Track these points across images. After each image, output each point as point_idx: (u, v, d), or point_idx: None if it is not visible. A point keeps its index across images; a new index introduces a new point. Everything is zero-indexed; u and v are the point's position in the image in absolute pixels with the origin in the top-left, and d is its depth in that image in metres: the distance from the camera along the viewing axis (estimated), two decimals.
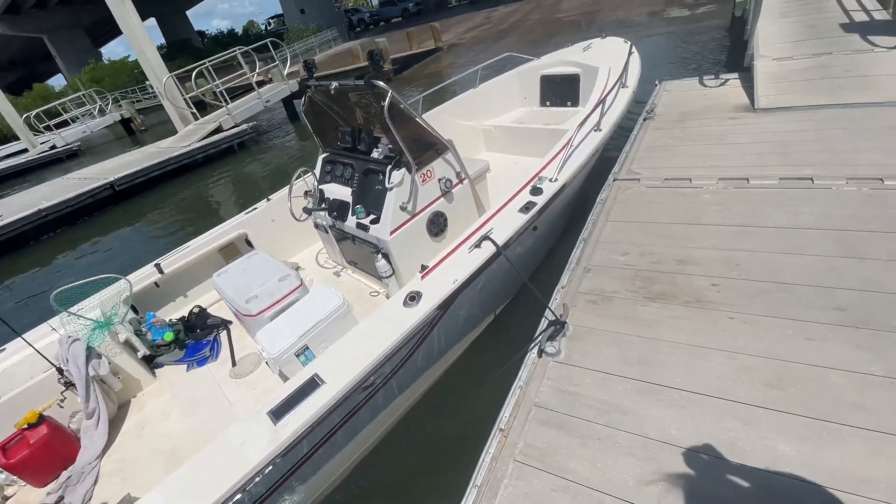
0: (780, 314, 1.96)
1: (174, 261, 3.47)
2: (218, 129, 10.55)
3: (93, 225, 8.34)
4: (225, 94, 11.37)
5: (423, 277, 2.37)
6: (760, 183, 2.86)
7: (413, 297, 2.23)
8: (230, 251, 3.83)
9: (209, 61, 11.22)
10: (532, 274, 3.41)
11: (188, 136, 10.52)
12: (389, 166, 2.80)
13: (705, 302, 2.12)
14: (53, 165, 16.67)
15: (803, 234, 2.36)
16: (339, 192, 3.26)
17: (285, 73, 12.07)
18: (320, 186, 3.44)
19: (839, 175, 2.73)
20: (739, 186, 2.89)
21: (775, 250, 2.31)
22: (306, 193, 3.48)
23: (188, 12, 48.49)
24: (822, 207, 2.51)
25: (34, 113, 17.72)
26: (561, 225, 3.68)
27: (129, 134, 19.35)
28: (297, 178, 3.42)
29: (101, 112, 18.88)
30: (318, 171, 3.52)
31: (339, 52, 21.12)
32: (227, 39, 39.98)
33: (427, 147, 2.92)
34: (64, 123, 18.86)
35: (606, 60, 4.41)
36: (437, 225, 3.01)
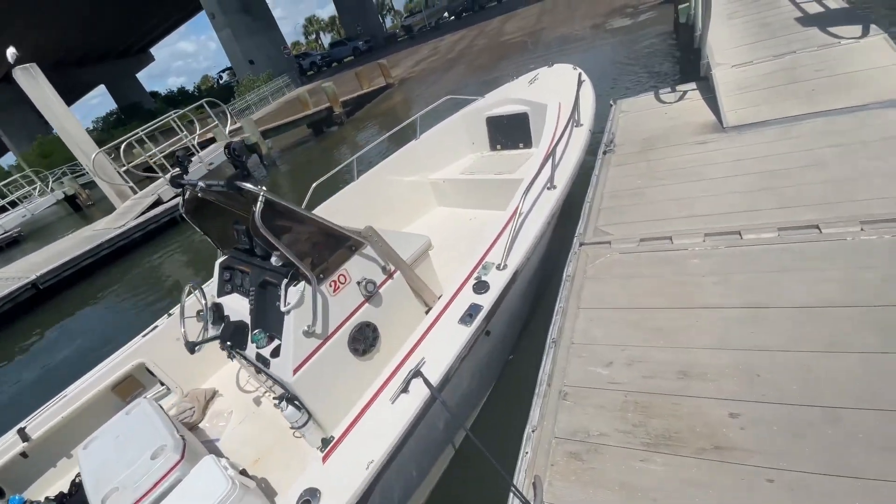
0: (837, 468, 1.35)
1: (49, 417, 2.72)
2: (157, 202, 9.78)
3: (14, 335, 7.40)
4: (165, 163, 10.69)
5: (323, 461, 1.68)
6: (757, 238, 2.30)
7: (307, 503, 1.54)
8: (129, 386, 3.08)
9: (142, 130, 10.57)
10: (490, 393, 2.74)
11: (124, 213, 9.72)
12: (285, 281, 2.15)
13: (727, 449, 1.50)
14: None
15: (830, 316, 1.78)
16: (241, 307, 2.58)
17: (227, 130, 11.46)
18: (219, 300, 2.76)
19: (850, 217, 2.19)
20: (732, 244, 2.32)
21: (802, 346, 1.72)
22: (199, 313, 2.79)
23: (139, 74, 47.88)
24: (843, 269, 1.95)
25: None
26: (523, 314, 2.99)
27: (76, 210, 18.34)
28: (188, 294, 2.74)
29: (43, 192, 17.87)
30: (215, 278, 2.84)
31: (288, 100, 20.68)
32: (178, 98, 39.36)
33: (334, 246, 2.28)
34: (4, 209, 17.77)
35: (555, 93, 3.91)
36: (365, 340, 2.35)
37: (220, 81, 46.83)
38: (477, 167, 4.40)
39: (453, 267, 2.48)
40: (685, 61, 7.04)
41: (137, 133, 10.89)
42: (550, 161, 2.83)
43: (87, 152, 10.19)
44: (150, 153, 10.50)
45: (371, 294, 2.35)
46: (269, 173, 12.43)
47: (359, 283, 2.32)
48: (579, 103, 3.47)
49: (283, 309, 2.10)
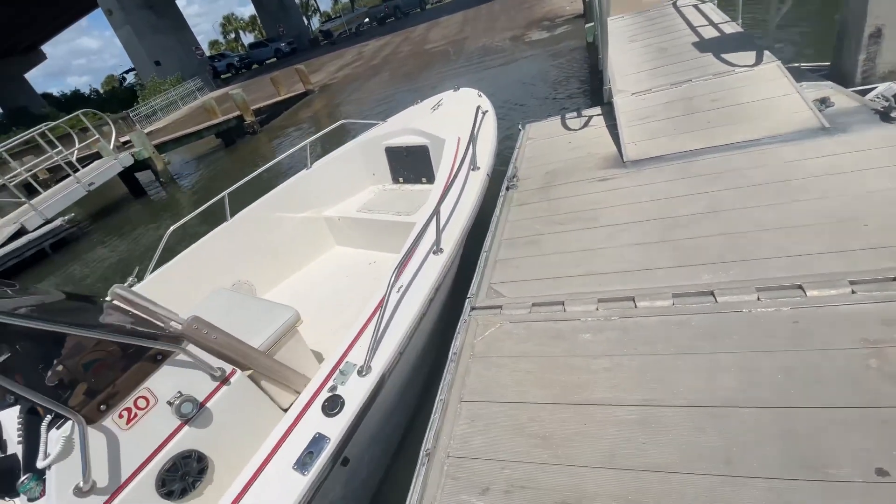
0: None
1: None
2: (21, 232, 8.29)
3: None
4: (33, 182, 9.16)
5: None
6: (651, 306, 2.03)
7: None
8: None
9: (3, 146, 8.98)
10: None
11: None
12: (45, 422, 1.54)
13: None
14: None
15: (729, 421, 1.51)
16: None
17: (111, 144, 10.07)
18: None
19: (745, 282, 1.98)
20: (626, 314, 2.04)
21: (697, 467, 1.42)
22: None
23: (31, 74, 42.32)
24: (741, 354, 1.70)
25: None
26: (400, 423, 2.48)
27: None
28: None
29: None
30: None
31: (201, 104, 18.95)
32: (71, 101, 35.06)
33: (127, 360, 1.70)
34: None
35: (456, 124, 3.54)
36: (185, 477, 1.78)
37: (124, 83, 42.51)
38: (377, 203, 3.92)
39: (347, 318, 1.98)
40: (595, 81, 7.06)
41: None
42: (435, 219, 2.41)
43: None
44: (12, 174, 8.94)
45: (190, 415, 1.79)
46: (169, 191, 11.13)
47: (170, 402, 1.76)
48: (477, 141, 3.12)
49: (39, 464, 1.49)
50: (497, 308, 2.35)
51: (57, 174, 11.24)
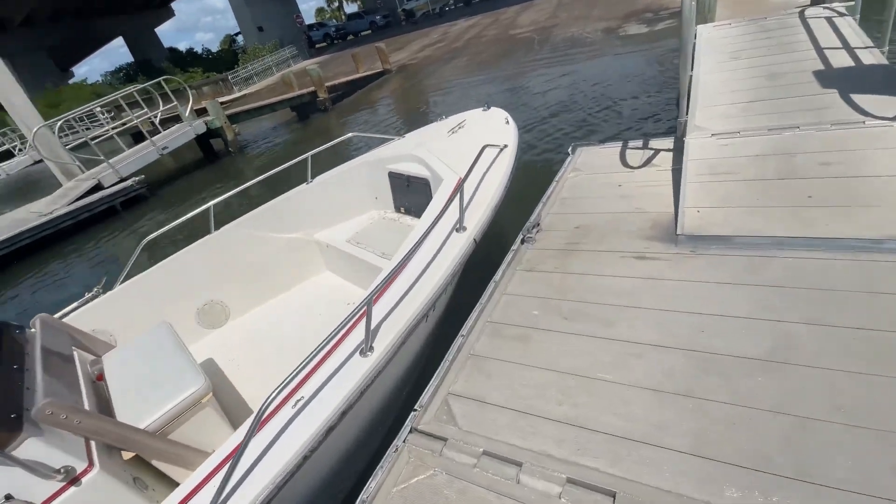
0: None
1: None
2: (97, 188, 8.97)
3: None
4: (118, 139, 9.86)
5: None
6: None
7: None
8: None
9: (96, 104, 9.72)
10: None
11: (61, 197, 8.93)
12: None
13: None
14: None
15: None
16: None
17: (187, 111, 10.52)
18: None
19: None
20: None
21: None
22: None
23: (165, 27, 46.90)
24: None
25: None
26: None
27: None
28: None
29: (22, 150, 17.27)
30: None
31: (294, 72, 19.54)
32: (187, 58, 38.30)
33: None
34: None
35: (466, 158, 2.90)
36: None
37: (234, 45, 45.59)
38: (371, 233, 3.43)
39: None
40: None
41: (89, 108, 10.06)
42: (365, 322, 1.86)
43: (30, 125, 9.36)
44: (96, 134, 9.69)
45: None
46: (236, 160, 11.54)
47: None
48: (478, 188, 2.49)
49: None
50: (440, 442, 1.76)
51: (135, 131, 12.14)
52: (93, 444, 1.79)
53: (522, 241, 2.92)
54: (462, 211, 2.32)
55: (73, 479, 1.62)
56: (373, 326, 1.89)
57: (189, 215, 3.22)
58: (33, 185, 16.34)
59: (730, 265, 2.19)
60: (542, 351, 2.06)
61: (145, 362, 2.25)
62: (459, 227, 2.34)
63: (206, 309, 3.23)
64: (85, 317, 2.86)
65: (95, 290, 2.99)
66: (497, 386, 1.95)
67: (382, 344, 1.87)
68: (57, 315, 2.81)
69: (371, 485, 1.68)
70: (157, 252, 3.12)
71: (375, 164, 3.56)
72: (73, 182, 9.45)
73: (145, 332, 2.56)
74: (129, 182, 9.16)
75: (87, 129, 14.28)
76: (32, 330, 2.23)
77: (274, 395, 1.59)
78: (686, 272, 2.23)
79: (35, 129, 9.08)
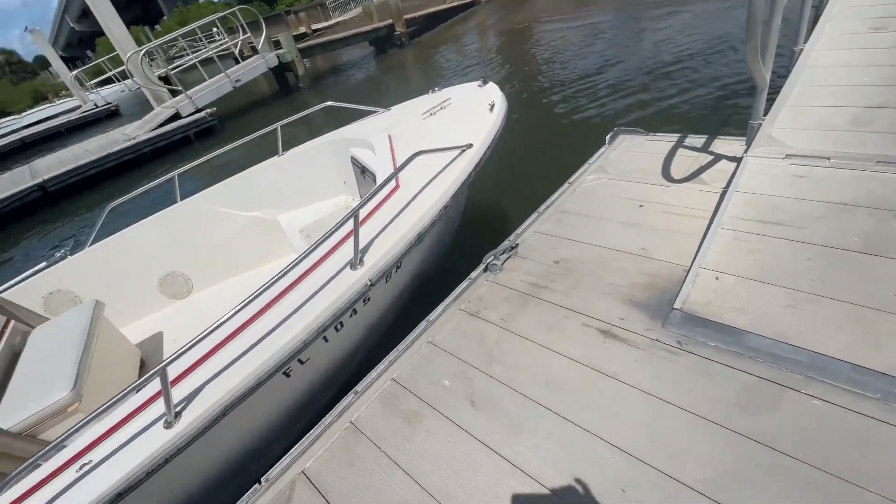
0: None
1: None
2: (175, 116, 9.51)
3: (23, 230, 7.90)
4: (200, 69, 10.25)
5: None
6: None
7: None
8: None
9: (178, 33, 10.09)
10: None
11: (146, 123, 9.64)
12: None
13: None
14: (93, 126, 17.13)
15: None
16: None
17: (260, 42, 10.53)
18: None
19: None
20: None
21: None
22: None
23: None
24: None
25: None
26: None
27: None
28: None
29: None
30: None
31: (378, 4, 18.73)
32: None
33: None
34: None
35: (427, 157, 2.30)
36: None
37: None
38: (327, 223, 3.04)
39: None
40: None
41: (174, 35, 10.46)
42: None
43: (126, 50, 10.02)
44: (176, 64, 10.10)
45: None
46: (305, 94, 11.50)
47: None
48: (410, 204, 1.95)
49: None
50: None
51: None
52: None
53: (485, 269, 2.34)
54: (357, 244, 1.82)
55: None
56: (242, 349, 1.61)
57: (153, 183, 3.08)
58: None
59: (723, 382, 1.47)
60: (422, 449, 1.60)
61: (46, 349, 2.22)
62: (356, 263, 1.85)
63: (169, 280, 3.17)
64: (50, 277, 2.92)
65: (63, 251, 3.02)
66: (352, 485, 1.55)
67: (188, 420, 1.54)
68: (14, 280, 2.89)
69: None
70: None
71: (341, 144, 3.08)
72: (159, 109, 10.14)
73: (73, 309, 2.52)
74: (202, 113, 9.58)
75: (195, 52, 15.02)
76: None
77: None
78: (653, 377, 1.56)
79: (129, 55, 9.71)
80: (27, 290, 2.82)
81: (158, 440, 1.46)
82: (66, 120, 17.20)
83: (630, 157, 2.91)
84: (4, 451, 1.86)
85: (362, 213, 1.95)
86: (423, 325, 2.11)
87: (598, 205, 2.55)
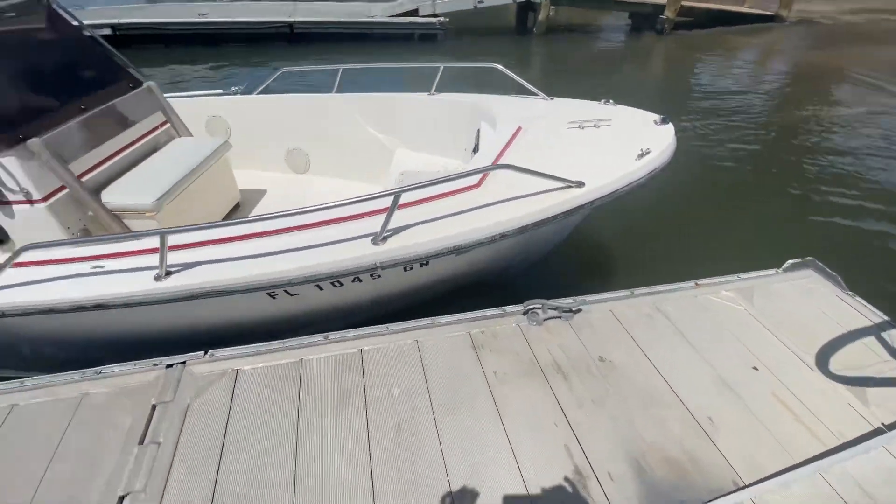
0: None
1: None
2: (414, 12, 10.02)
3: (263, 53, 9.41)
4: None
5: None
6: None
7: None
8: None
9: None
10: None
11: (390, 8, 10.35)
12: None
13: None
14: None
15: None
16: None
17: None
18: None
19: None
20: None
21: None
22: None
23: None
24: None
25: None
26: None
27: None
28: None
29: None
30: None
31: None
32: None
33: None
34: None
35: (547, 166, 1.97)
36: None
37: None
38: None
39: None
40: None
41: None
42: None
43: None
44: None
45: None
46: (537, 42, 10.98)
47: None
48: None
49: None
50: None
51: None
52: (66, 190, 2.23)
53: (524, 312, 2.03)
54: (386, 222, 1.66)
55: (28, 199, 2.11)
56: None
57: (322, 67, 3.30)
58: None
59: None
60: (319, 427, 1.51)
61: (170, 158, 2.66)
62: (377, 238, 1.69)
63: (295, 153, 3.46)
64: (219, 103, 3.40)
65: (234, 88, 3.46)
66: (257, 407, 1.56)
67: None
68: (198, 91, 3.41)
69: None
70: None
71: (477, 111, 2.81)
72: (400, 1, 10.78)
73: (209, 138, 2.93)
74: (433, 20, 9.91)
75: None
76: (137, 89, 2.75)
77: None
78: None
79: None
80: (198, 104, 3.33)
81: (145, 285, 1.64)
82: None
83: (797, 303, 2.12)
84: (96, 216, 2.31)
85: (413, 196, 1.80)
86: (421, 321, 1.95)
87: (705, 332, 1.96)
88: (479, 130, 2.74)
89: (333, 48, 9.62)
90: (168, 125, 2.93)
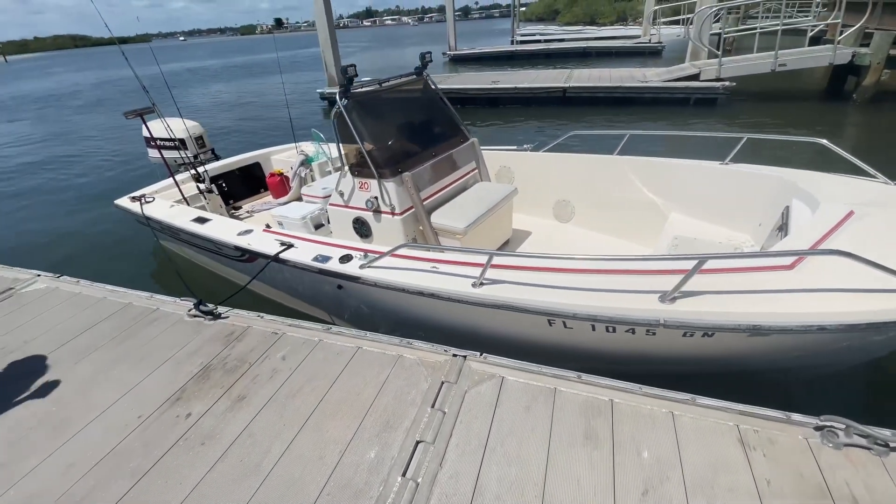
0: None
1: None
2: (695, 77, 9.61)
3: (536, 112, 10.57)
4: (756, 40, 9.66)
5: None
6: None
7: None
8: None
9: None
10: None
11: (666, 73, 10.19)
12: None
13: None
14: (634, 56, 19.31)
15: None
16: None
17: (853, 29, 8.63)
18: None
19: None
20: None
21: None
22: None
23: None
24: None
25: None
26: None
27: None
28: None
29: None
30: None
31: None
32: None
33: (363, 165, 3.07)
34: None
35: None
36: (361, 227, 3.26)
37: None
38: (709, 251, 2.70)
39: None
40: None
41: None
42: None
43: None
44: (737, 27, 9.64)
45: (373, 209, 3.12)
46: (849, 110, 8.99)
47: (367, 200, 3.08)
48: None
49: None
50: None
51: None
52: (412, 209, 3.09)
53: (819, 428, 1.72)
54: (683, 282, 1.63)
55: (391, 212, 3.02)
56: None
57: (610, 132, 3.54)
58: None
59: None
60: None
61: (475, 196, 3.37)
62: (665, 296, 1.69)
63: (562, 204, 3.82)
64: (509, 157, 4.06)
65: (526, 146, 4.07)
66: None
67: None
68: (494, 147, 4.14)
69: None
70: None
71: (785, 186, 2.44)
72: (686, 64, 10.42)
73: (503, 185, 3.57)
74: (718, 84, 9.25)
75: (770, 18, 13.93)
76: (465, 143, 3.58)
77: None
78: None
79: (697, 11, 10.06)
80: (493, 156, 4.05)
81: (464, 287, 2.14)
82: (619, 45, 20.17)
83: None
84: (424, 230, 3.08)
85: (719, 265, 1.77)
86: (679, 394, 1.89)
87: None
88: (787, 208, 2.48)
89: (601, 111, 10.05)
90: (476, 171, 3.69)
